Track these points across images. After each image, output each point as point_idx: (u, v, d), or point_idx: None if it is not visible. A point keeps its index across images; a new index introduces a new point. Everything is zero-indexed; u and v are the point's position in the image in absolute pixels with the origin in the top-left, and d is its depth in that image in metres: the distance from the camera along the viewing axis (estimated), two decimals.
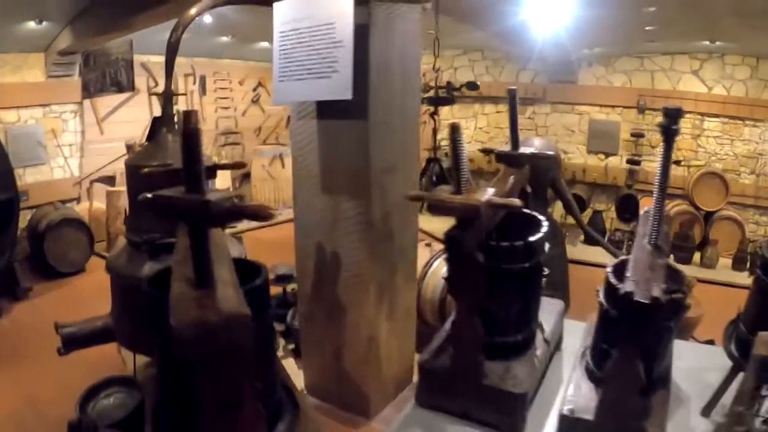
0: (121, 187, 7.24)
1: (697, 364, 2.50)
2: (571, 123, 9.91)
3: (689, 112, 8.96)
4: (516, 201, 2.78)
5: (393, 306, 3.61)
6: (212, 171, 3.05)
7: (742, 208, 8.67)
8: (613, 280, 2.15)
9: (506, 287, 2.58)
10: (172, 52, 3.71)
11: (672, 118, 2.77)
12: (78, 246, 6.62)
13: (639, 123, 9.34)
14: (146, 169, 2.92)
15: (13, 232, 5.67)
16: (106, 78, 6.28)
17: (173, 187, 1.77)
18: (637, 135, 9.30)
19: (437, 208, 2.70)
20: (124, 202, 6.97)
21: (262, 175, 9.38)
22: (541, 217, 3.15)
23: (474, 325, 2.39)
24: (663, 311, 1.85)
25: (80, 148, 7.92)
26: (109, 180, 7.48)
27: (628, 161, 9.28)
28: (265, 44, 9.20)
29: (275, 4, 3.06)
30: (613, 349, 1.99)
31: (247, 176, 9.56)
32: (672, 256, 8.22)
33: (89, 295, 6.06)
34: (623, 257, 3.07)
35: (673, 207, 8.86)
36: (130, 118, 8.27)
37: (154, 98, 8.48)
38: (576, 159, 9.89)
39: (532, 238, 2.64)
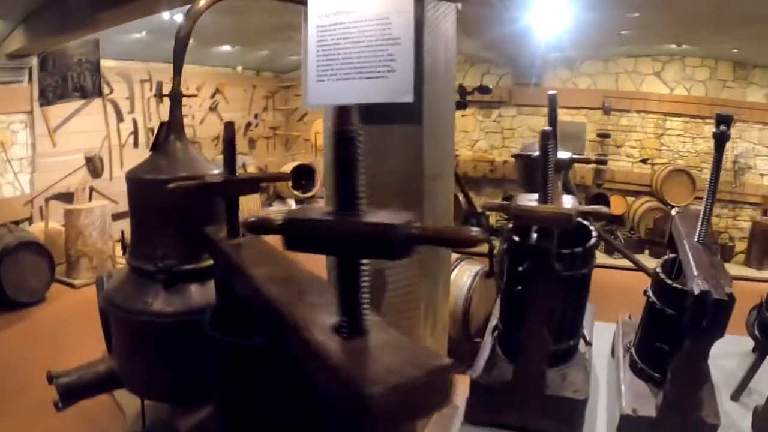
0: (81, 205, 6.66)
1: (714, 352, 2.60)
2: (537, 125, 9.93)
3: (653, 112, 9.33)
4: (604, 208, 2.66)
5: (435, 321, 3.38)
6: (254, 185, 2.72)
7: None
8: (665, 279, 2.24)
9: (566, 294, 2.55)
10: (182, 45, 3.37)
11: (725, 124, 2.82)
12: (37, 272, 5.98)
13: (605, 124, 9.51)
14: (173, 185, 2.44)
15: None
16: (67, 83, 5.73)
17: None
18: (603, 135, 9.48)
19: (523, 218, 2.55)
20: (85, 221, 6.42)
21: None
22: (586, 222, 3.06)
23: (544, 336, 2.36)
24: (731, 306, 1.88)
25: (31, 162, 7.22)
26: (67, 197, 6.83)
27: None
28: (226, 48, 8.76)
29: None
30: (666, 346, 2.05)
31: None
32: (647, 251, 8.40)
33: (55, 327, 5.49)
34: (669, 257, 3.03)
35: (642, 204, 9.09)
36: (85, 128, 7.59)
37: (110, 106, 7.91)
38: None
39: (589, 244, 2.64)
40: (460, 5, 3.63)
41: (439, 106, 3.07)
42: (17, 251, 5.77)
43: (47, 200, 6.69)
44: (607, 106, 9.36)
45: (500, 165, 9.87)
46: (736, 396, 2.41)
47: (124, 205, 7.74)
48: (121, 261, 6.89)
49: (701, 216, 2.50)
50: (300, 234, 1.33)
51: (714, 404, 2.05)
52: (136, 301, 2.88)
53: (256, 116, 10.46)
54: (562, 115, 9.71)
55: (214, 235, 2.44)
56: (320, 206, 1.32)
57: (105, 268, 6.62)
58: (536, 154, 2.87)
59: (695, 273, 1.93)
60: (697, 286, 1.79)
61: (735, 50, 8.15)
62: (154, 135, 3.18)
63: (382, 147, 3.02)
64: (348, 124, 1.28)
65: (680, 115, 9.19)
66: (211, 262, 2.73)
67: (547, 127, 2.70)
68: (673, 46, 8.41)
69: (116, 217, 7.08)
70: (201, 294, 2.88)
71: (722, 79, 8.88)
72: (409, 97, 2.60)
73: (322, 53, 2.79)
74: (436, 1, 2.91)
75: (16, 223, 6.68)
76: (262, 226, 1.32)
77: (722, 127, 2.27)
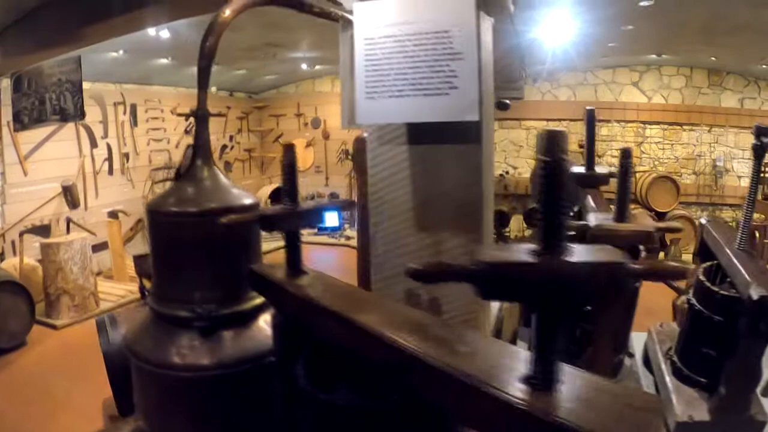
0: (59, 238, 6.22)
1: None
2: (519, 138, 9.97)
3: (632, 121, 9.47)
4: (678, 224, 2.60)
5: None
6: (319, 214, 2.45)
7: (686, 206, 9.18)
8: (712, 287, 2.13)
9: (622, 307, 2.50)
10: (207, 59, 3.05)
11: (765, 135, 2.82)
12: (16, 314, 5.47)
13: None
14: (227, 218, 2.11)
15: None
16: (45, 105, 5.32)
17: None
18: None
19: (603, 238, 2.44)
20: (64, 255, 5.99)
21: None
22: None
23: (610, 351, 2.35)
24: None
25: (1, 192, 6.76)
26: (42, 230, 6.39)
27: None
28: None
29: (357, 5, 2.56)
30: (713, 352, 2.02)
31: None
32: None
33: (41, 375, 4.97)
34: (708, 264, 2.99)
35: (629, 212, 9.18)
36: (58, 155, 7.06)
37: (83, 131, 7.49)
38: (525, 173, 9.97)
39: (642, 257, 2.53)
40: (493, 20, 3.52)
41: (489, 122, 2.92)
42: None
43: (21, 234, 6.21)
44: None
45: None
46: (766, 392, 2.31)
47: (102, 237, 7.46)
48: (106, 298, 6.48)
49: (742, 224, 2.49)
50: (504, 280, 1.12)
51: (759, 401, 2.01)
52: (168, 352, 2.45)
53: (231, 138, 10.11)
54: (543, 128, 9.82)
55: (271, 274, 2.16)
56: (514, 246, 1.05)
57: (88, 307, 6.16)
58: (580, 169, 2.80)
59: (749, 279, 1.86)
60: (755, 291, 1.72)
61: (713, 58, 8.30)
62: (184, 159, 2.76)
63: (437, 167, 2.78)
64: (559, 151, 1.07)
65: (659, 123, 9.36)
66: (252, 303, 2.48)
67: (628, 146, 2.58)
68: (653, 56, 8.53)
69: (95, 249, 6.67)
70: (241, 341, 2.53)
71: (697, 86, 9.15)
72: (474, 115, 2.43)
73: (372, 68, 2.57)
74: (483, 13, 2.78)
75: None
76: (439, 273, 1.12)
77: (763, 139, 2.23)
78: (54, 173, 7.10)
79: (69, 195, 6.85)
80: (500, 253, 1.17)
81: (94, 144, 7.59)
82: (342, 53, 2.76)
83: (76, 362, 5.21)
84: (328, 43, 7.51)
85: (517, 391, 1.14)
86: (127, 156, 8.08)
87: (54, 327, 5.84)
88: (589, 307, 2.82)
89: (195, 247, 2.50)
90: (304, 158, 10.47)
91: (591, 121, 3.40)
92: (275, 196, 9.66)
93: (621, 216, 2.37)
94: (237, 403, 2.40)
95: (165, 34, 5.93)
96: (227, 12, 2.82)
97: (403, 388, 1.45)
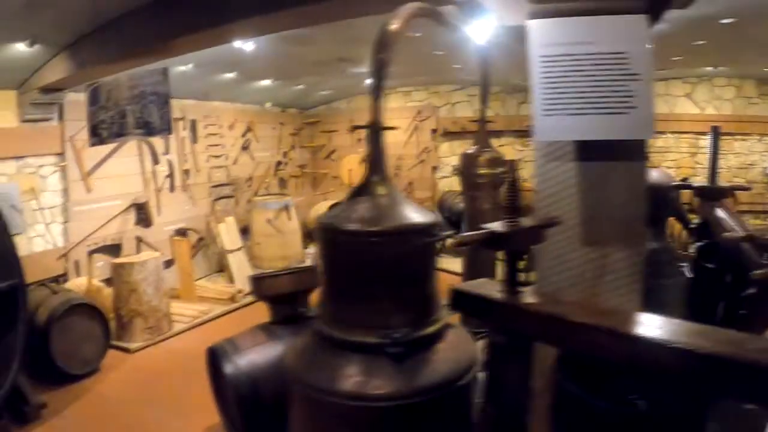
0: (132, 258, 5.45)
1: None
2: None
3: (686, 132, 9.01)
4: None
5: None
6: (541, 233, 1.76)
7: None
8: None
9: None
10: (380, 71, 2.51)
11: None
12: (91, 339, 4.77)
13: None
14: (457, 237, 1.92)
15: (19, 333, 3.84)
16: (126, 118, 4.61)
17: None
18: None
19: None
20: (138, 276, 5.23)
21: (265, 230, 7.74)
22: None
23: None
24: None
25: (63, 210, 6.00)
26: (112, 249, 5.61)
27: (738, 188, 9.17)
28: (266, 82, 7.75)
29: (532, 23, 2.49)
30: None
31: (244, 231, 7.88)
32: None
33: (119, 403, 4.42)
34: None
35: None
36: (120, 172, 6.46)
37: (145, 147, 6.75)
38: None
39: None
40: None
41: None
42: (67, 316, 4.58)
43: (90, 253, 5.44)
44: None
45: (528, 194, 9.05)
46: None
47: (166, 255, 6.72)
48: (178, 319, 5.69)
49: None
50: None
51: None
52: (355, 382, 2.00)
53: (284, 154, 9.39)
54: None
55: (490, 294, 1.98)
56: None
57: (161, 329, 5.44)
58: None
59: None
60: None
61: (765, 69, 7.87)
62: (364, 174, 2.26)
63: (604, 184, 2.78)
64: None
65: None
66: (437, 325, 2.15)
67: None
68: (710, 68, 8.18)
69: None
70: (433, 365, 2.12)
71: (747, 96, 8.75)
72: (650, 134, 2.50)
73: (548, 86, 2.55)
74: None
75: (49, 280, 5.38)
76: None
77: None
78: (117, 190, 6.47)
79: (142, 213, 6.11)
80: None
81: (156, 161, 6.86)
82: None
83: (154, 388, 4.68)
84: (397, 57, 6.86)
85: None
86: (187, 172, 7.35)
87: (127, 350, 5.18)
88: None
89: (386, 268, 2.13)
90: (358, 174, 9.70)
91: (716, 137, 3.31)
92: None
93: None
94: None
95: (249, 46, 5.24)
96: (395, 24, 2.39)
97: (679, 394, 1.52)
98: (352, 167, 9.66)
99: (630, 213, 2.64)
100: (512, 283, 1.93)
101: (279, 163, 9.24)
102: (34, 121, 5.68)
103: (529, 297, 1.92)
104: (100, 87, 4.84)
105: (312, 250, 8.55)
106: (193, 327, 5.71)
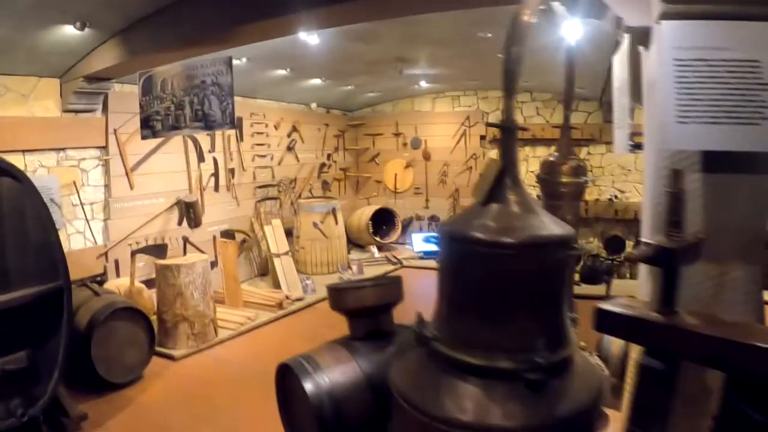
0: (179, 260, 5.01)
1: None
2: (627, 162, 8.74)
3: None
4: None
5: None
6: None
7: None
8: None
9: None
10: (514, 66, 2.18)
11: None
12: (135, 345, 4.32)
13: None
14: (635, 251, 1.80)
15: (62, 340, 3.41)
16: (184, 110, 4.18)
17: None
18: None
19: None
20: (185, 279, 4.79)
21: (312, 234, 7.29)
22: None
23: None
24: None
25: (105, 207, 5.61)
26: (158, 249, 5.18)
27: None
28: (316, 81, 7.32)
29: (666, 24, 2.34)
30: None
31: (287, 234, 7.42)
32: None
33: (162, 416, 3.98)
34: None
35: None
36: (165, 168, 6.06)
37: (191, 144, 6.35)
38: (633, 198, 8.70)
39: None
40: None
41: None
42: (111, 321, 4.13)
43: (134, 254, 5.01)
44: None
45: (593, 204, 8.51)
46: None
47: (210, 257, 6.30)
48: (224, 325, 5.24)
49: None
50: None
51: None
52: (486, 412, 1.71)
53: (328, 156, 8.95)
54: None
55: (647, 315, 1.75)
56: None
57: (207, 335, 4.97)
58: None
59: None
60: None
61: None
62: (490, 179, 1.96)
63: (729, 197, 2.61)
64: None
65: None
66: (571, 349, 1.89)
67: None
68: None
69: None
70: (570, 393, 1.87)
71: None
72: None
73: (683, 91, 2.39)
74: None
75: (88, 279, 4.96)
76: None
77: None
78: (161, 187, 6.06)
79: (191, 212, 5.68)
80: None
81: (201, 158, 6.45)
82: (621, 68, 2.59)
83: (201, 399, 4.21)
84: (450, 58, 6.40)
85: None
86: (232, 172, 6.93)
87: (172, 358, 4.72)
88: None
89: (525, 284, 1.87)
90: (403, 179, 9.27)
91: None
92: (378, 217, 8.46)
93: None
94: None
95: (314, 40, 4.84)
96: (526, 14, 2.12)
97: None
98: (397, 172, 9.20)
99: (753, 230, 2.51)
100: (669, 303, 1.74)
101: (323, 165, 8.79)
102: (77, 112, 5.29)
103: (688, 318, 1.75)
104: (153, 76, 4.41)
105: (354, 255, 8.08)
106: (240, 334, 5.25)
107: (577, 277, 6.60)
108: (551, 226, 1.87)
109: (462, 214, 2.06)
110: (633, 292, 2.73)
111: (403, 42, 5.58)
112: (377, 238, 8.40)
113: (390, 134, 9.34)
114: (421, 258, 8.18)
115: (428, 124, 9.18)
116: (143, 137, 4.53)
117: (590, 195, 8.78)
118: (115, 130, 5.57)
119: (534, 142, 8.86)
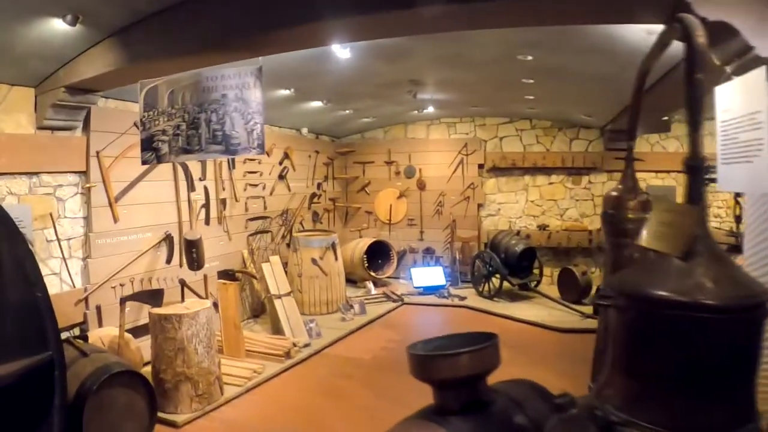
0: (179, 308, 4.15)
1: None
2: None
3: None
4: None
5: None
6: None
7: None
8: None
9: None
10: (700, 94, 1.88)
11: None
12: (133, 414, 3.45)
13: None
14: None
15: (55, 426, 2.58)
16: (199, 129, 3.42)
17: None
18: None
19: None
20: (188, 330, 3.98)
21: (311, 272, 6.50)
22: None
23: None
24: None
25: (84, 243, 4.68)
26: (153, 296, 4.29)
27: None
28: (317, 104, 6.63)
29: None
30: None
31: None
32: None
33: None
34: None
35: None
36: (151, 198, 5.18)
37: (180, 171, 5.52)
38: None
39: None
40: None
41: None
42: (105, 388, 3.25)
43: (123, 301, 4.13)
44: None
45: (596, 234, 8.16)
46: None
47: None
48: (229, 381, 4.41)
49: None
50: None
51: None
52: None
53: (318, 186, 8.21)
54: (652, 179, 8.35)
55: None
56: None
57: (212, 395, 4.12)
58: None
59: None
60: None
61: None
62: (686, 230, 1.63)
63: None
64: None
65: None
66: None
67: None
68: None
69: None
70: None
71: None
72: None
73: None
74: None
75: (77, 336, 4.06)
76: None
77: None
78: (147, 221, 5.17)
79: (194, 252, 4.84)
80: None
81: (192, 187, 5.62)
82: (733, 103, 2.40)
83: None
84: (476, 83, 5.90)
85: None
86: (224, 202, 6.11)
87: (173, 425, 3.90)
88: None
89: (749, 351, 1.52)
90: (397, 210, 8.61)
91: None
92: (373, 250, 7.78)
93: None
94: None
95: (345, 53, 4.24)
96: (701, 36, 1.87)
97: None
98: (391, 202, 8.56)
99: None
100: None
101: (314, 195, 8.02)
102: (54, 129, 4.39)
103: None
104: (159, 86, 3.62)
105: (348, 292, 7.34)
106: (247, 391, 4.41)
107: None
108: (752, 282, 1.59)
109: (646, 270, 1.70)
110: None
111: (433, 62, 5.01)
112: (372, 273, 7.69)
113: (381, 162, 8.69)
114: (421, 294, 7.52)
115: (423, 151, 8.60)
116: (144, 162, 3.69)
117: (591, 224, 8.41)
118: (97, 153, 4.68)
119: (534, 171, 8.46)
